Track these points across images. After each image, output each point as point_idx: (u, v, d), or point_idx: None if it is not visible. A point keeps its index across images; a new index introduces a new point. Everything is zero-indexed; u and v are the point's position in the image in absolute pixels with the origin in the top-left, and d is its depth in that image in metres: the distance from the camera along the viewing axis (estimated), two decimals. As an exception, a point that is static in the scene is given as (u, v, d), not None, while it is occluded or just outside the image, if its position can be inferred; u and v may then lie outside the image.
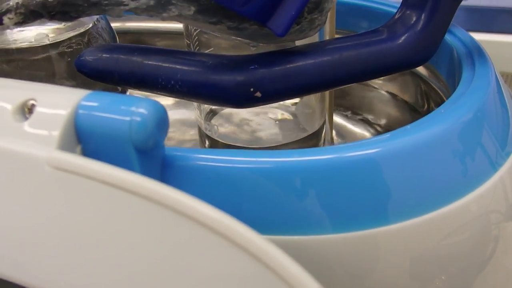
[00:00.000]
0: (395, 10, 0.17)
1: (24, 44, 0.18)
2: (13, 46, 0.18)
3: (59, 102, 0.11)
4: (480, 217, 0.15)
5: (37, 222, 0.11)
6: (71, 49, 0.19)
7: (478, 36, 0.36)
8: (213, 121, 0.21)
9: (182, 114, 0.28)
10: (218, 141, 0.21)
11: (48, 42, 0.18)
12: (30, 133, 0.11)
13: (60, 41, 0.19)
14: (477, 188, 0.14)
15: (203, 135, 0.21)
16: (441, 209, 0.14)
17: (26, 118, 0.11)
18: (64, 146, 0.11)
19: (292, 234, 0.13)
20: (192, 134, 0.27)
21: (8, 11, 0.13)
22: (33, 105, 0.11)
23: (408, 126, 0.15)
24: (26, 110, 0.11)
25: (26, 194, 0.11)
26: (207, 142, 0.21)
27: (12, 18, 0.13)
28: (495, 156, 0.16)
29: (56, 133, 0.11)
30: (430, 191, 0.14)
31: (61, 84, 0.19)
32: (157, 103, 0.11)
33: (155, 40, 0.32)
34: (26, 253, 0.11)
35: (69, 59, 0.19)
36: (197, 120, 0.21)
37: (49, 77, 0.19)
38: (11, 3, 0.13)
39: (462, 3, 0.16)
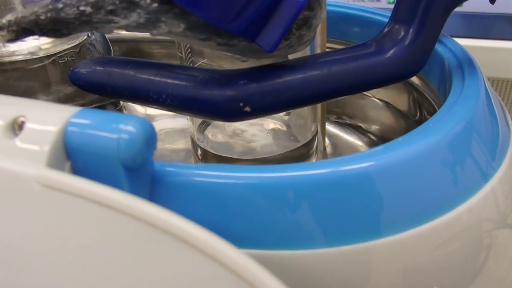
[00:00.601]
0: (386, 20, 0.17)
1: (18, 57, 0.18)
2: (7, 59, 0.18)
3: (49, 119, 0.11)
4: (472, 227, 0.15)
5: (26, 240, 0.11)
6: (65, 61, 0.19)
7: (475, 43, 0.36)
8: (206, 132, 0.21)
9: (176, 123, 0.29)
10: (211, 152, 0.21)
11: (42, 55, 0.19)
12: (20, 150, 0.11)
13: (53, 54, 0.19)
14: (469, 199, 0.15)
15: (195, 146, 0.21)
16: (433, 221, 0.14)
17: (16, 135, 0.11)
18: (53, 163, 0.11)
19: (285, 249, 0.13)
20: (185, 143, 0.27)
21: (1, 28, 0.13)
22: (23, 122, 0.12)
23: (400, 139, 0.15)
24: (16, 127, 0.12)
25: (16, 211, 0.11)
26: (199, 153, 0.21)
27: (5, 35, 0.13)
28: (486, 167, 0.16)
29: (45, 150, 0.11)
30: (422, 203, 0.14)
31: (54, 95, 0.20)
32: (145, 120, 0.11)
33: (152, 48, 0.32)
34: (15, 270, 0.11)
35: (63, 71, 0.19)
36: (190, 131, 0.22)
37: (43, 89, 0.19)
38: (3, 21, 0.13)
39: (459, 9, 0.16)
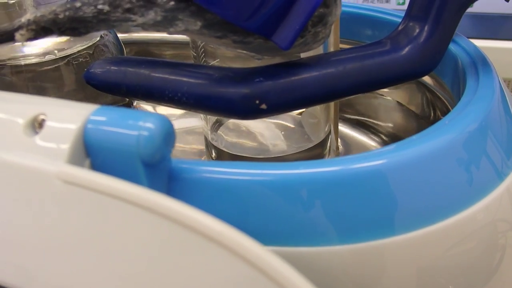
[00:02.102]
0: (398, 20, 0.17)
1: (33, 59, 0.19)
2: (22, 61, 0.18)
3: (68, 117, 0.12)
4: (487, 226, 0.15)
5: (47, 234, 0.11)
6: (78, 62, 0.20)
7: (486, 43, 0.36)
8: (220, 132, 0.22)
9: (189, 123, 0.29)
10: (225, 151, 0.21)
11: (56, 57, 0.19)
12: (41, 147, 0.11)
13: (67, 55, 0.19)
14: (484, 197, 0.15)
15: (209, 145, 0.22)
16: (448, 219, 0.14)
17: (37, 133, 0.12)
18: (74, 160, 0.11)
19: (299, 246, 0.13)
20: (199, 143, 0.27)
21: (20, 27, 0.13)
22: (43, 120, 0.12)
23: (414, 137, 0.15)
24: (37, 124, 0.12)
25: (37, 206, 0.11)
26: (213, 153, 0.21)
27: (24, 34, 0.13)
28: (501, 165, 0.16)
29: (65, 147, 0.11)
30: (436, 202, 0.14)
31: (69, 95, 0.20)
32: (164, 117, 0.12)
33: (162, 50, 0.32)
34: (37, 264, 0.11)
35: (77, 71, 0.20)
36: (204, 131, 0.22)
37: (57, 89, 0.20)
38: (22, 20, 0.13)
39: (469, 10, 0.16)
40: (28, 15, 0.13)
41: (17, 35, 0.13)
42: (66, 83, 0.20)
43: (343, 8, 0.25)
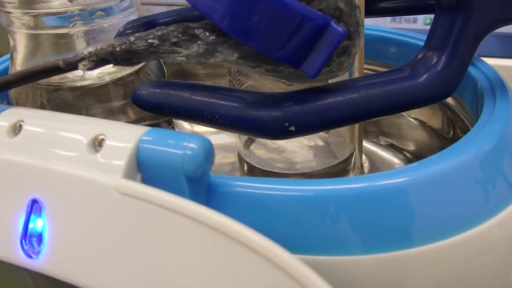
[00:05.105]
0: (420, 42, 0.18)
1: (88, 81, 0.21)
2: (79, 83, 0.21)
3: (124, 137, 0.13)
4: (502, 241, 0.16)
5: (105, 239, 0.13)
6: (126, 83, 0.22)
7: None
8: (252, 148, 0.23)
9: (223, 139, 0.30)
10: (256, 166, 0.22)
11: (108, 79, 0.21)
12: (100, 163, 0.13)
13: (117, 78, 0.21)
14: (499, 213, 0.15)
15: (242, 161, 0.23)
16: (464, 233, 0.15)
17: (97, 151, 0.14)
18: (128, 174, 0.13)
19: (325, 255, 0.14)
20: (231, 158, 0.29)
21: (83, 59, 0.15)
22: (103, 140, 0.14)
23: (433, 156, 0.16)
24: (97, 143, 0.14)
25: (97, 214, 0.13)
26: (245, 167, 0.23)
27: (86, 65, 0.15)
28: (517, 183, 0.16)
29: (122, 163, 0.13)
30: (453, 216, 0.15)
31: (118, 112, 0.22)
32: (205, 138, 0.13)
33: (197, 69, 0.34)
34: (97, 264, 0.13)
35: (125, 91, 0.22)
36: (237, 147, 0.23)
37: (108, 107, 0.22)
38: (85, 52, 0.15)
39: (496, 30, 0.17)
40: (90, 48, 0.15)
41: (80, 65, 0.15)
42: (114, 101, 0.22)
43: (371, 32, 0.27)
